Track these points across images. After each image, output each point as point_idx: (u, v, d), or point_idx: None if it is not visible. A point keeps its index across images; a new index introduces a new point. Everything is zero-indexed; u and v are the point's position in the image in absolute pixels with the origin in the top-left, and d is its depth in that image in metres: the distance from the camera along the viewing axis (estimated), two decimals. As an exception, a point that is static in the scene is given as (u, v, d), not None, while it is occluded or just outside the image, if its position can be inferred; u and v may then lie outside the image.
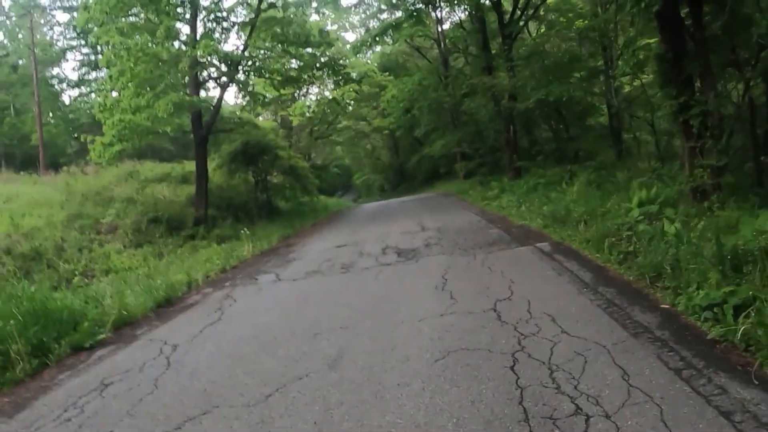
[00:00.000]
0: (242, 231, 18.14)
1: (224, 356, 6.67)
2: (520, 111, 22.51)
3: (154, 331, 8.53)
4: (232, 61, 21.71)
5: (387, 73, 42.91)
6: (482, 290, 7.73)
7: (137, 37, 19.46)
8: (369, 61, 48.11)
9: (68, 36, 45.39)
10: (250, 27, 21.97)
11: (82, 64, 45.80)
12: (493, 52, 27.30)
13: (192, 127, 22.23)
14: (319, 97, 42.42)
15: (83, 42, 41.60)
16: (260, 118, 44.19)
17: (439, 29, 39.12)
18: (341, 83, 29.54)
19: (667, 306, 6.22)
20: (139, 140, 19.93)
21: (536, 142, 32.44)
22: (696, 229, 8.24)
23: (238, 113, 35.67)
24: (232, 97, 62.93)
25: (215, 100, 23.89)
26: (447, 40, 38.42)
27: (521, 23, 26.19)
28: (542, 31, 28.29)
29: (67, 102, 49.29)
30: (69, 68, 79.45)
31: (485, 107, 27.50)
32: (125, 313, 9.16)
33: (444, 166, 44.55)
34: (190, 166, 24.76)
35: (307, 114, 42.62)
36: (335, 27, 45.59)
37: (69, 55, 44.95)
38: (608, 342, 5.27)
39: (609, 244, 8.98)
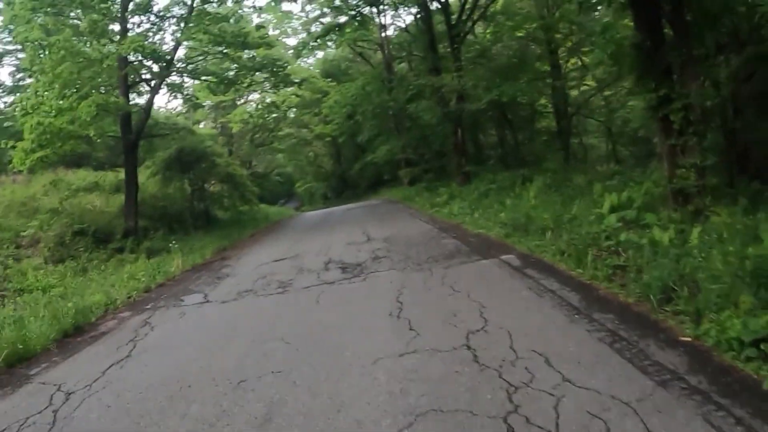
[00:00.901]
0: (171, 244, 16.52)
1: (123, 412, 5.12)
2: (471, 112, 21.29)
3: (51, 370, 6.91)
4: (163, 60, 20.01)
5: (329, 80, 41.65)
6: (448, 318, 6.27)
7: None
8: (311, 67, 46.82)
9: (4, 40, 42.77)
10: (183, 23, 20.24)
11: (18, 69, 43.23)
12: (440, 54, 26.14)
13: (121, 132, 20.36)
14: (259, 103, 40.77)
15: (20, 46, 39.14)
16: (201, 125, 42.65)
17: (383, 35, 38.17)
18: (281, 86, 28.02)
19: (688, 339, 4.87)
20: (60, 145, 17.96)
21: (482, 147, 31.63)
22: (693, 238, 7.03)
23: (174, 118, 33.98)
24: (168, 102, 60.76)
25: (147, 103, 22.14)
26: (391, 46, 37.37)
27: (469, 24, 25.06)
28: (489, 31, 27.23)
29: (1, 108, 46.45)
30: (5, 73, 75.83)
31: (432, 110, 26.25)
32: (21, 346, 7.53)
33: (388, 172, 43.57)
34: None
35: (248, 120, 40.88)
36: (277, 32, 43.88)
37: (5, 60, 42.15)
38: (630, 396, 3.90)
39: (592, 256, 7.66)
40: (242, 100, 42.52)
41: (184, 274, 13.69)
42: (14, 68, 42.95)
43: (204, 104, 41.04)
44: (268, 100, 37.17)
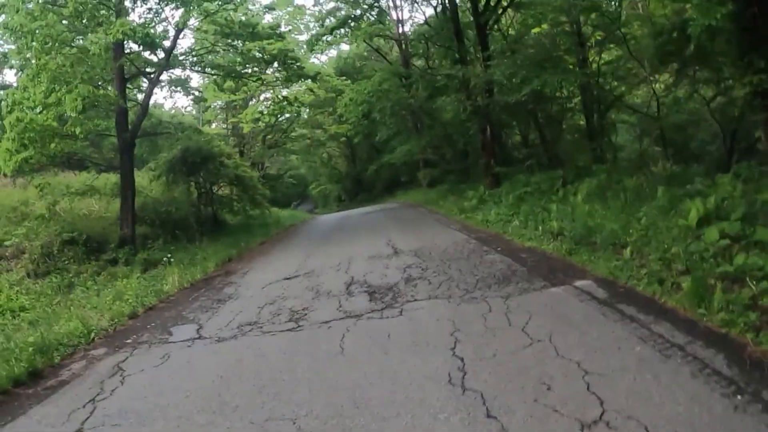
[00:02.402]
0: (167, 257, 14.59)
1: None
2: (508, 105, 19.14)
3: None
4: (159, 47, 18.12)
5: (344, 78, 40.16)
6: (539, 392, 4.23)
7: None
8: (324, 66, 45.31)
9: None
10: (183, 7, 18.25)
11: (21, 67, 41.69)
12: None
13: (116, 130, 18.45)
14: (271, 101, 38.99)
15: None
16: (213, 125, 41.21)
17: (400, 30, 37.25)
18: (294, 80, 26.08)
19: None
20: (44, 145, 15.98)
21: (505, 146, 29.73)
22: None
23: (180, 117, 32.28)
24: (169, 97, 58.78)
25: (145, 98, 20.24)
26: (409, 41, 36.00)
27: (499, 11, 23.08)
28: (520, 21, 25.22)
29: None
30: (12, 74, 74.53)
31: (459, 104, 24.17)
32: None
33: (405, 174, 42.74)
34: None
35: (260, 119, 39.08)
36: (289, 28, 42.10)
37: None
38: None
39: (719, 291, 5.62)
40: (253, 101, 40.84)
41: (180, 292, 11.72)
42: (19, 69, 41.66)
43: (213, 104, 39.61)
44: (280, 96, 35.27)
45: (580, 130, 25.76)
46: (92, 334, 8.57)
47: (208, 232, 21.01)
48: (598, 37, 21.82)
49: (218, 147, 25.02)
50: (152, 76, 19.89)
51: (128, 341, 8.11)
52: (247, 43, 21.25)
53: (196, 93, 25.36)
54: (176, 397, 5.51)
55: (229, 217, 25.48)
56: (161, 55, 19.11)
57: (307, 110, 45.66)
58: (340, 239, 17.14)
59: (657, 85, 21.65)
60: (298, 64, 23.82)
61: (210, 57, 21.90)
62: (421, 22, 33.40)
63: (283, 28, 29.81)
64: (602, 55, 23.42)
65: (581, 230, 9.94)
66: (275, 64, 23.09)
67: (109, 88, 17.49)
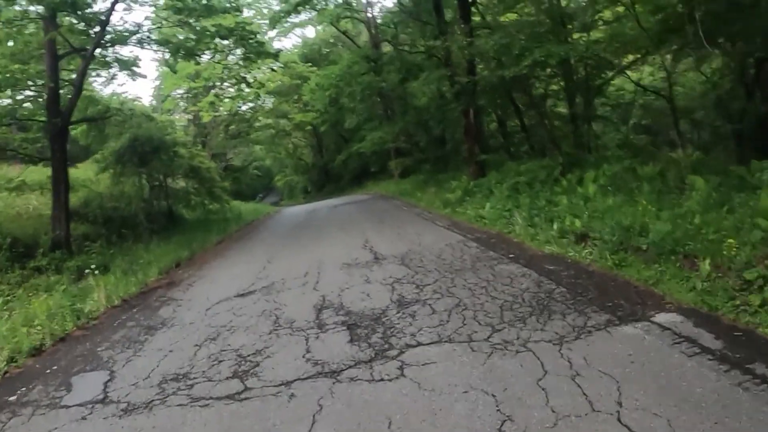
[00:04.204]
0: (89, 271, 11.77)
1: None
2: (504, 79, 16.67)
3: None
4: (90, 19, 15.55)
5: (309, 64, 38.30)
6: None
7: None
8: (289, 52, 43.73)
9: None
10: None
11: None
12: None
13: (47, 114, 15.82)
14: (231, 85, 36.64)
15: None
16: (176, 116, 39.02)
17: (369, 13, 35.64)
18: (253, 57, 23.53)
19: None
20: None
21: (483, 133, 27.87)
22: None
23: (131, 104, 29.66)
24: (105, 77, 54.78)
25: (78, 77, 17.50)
26: (379, 25, 34.70)
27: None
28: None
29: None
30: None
31: (440, 82, 21.77)
32: None
33: (375, 164, 41.25)
34: (78, 172, 18.76)
35: (214, 102, 36.53)
36: (252, 13, 39.60)
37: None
38: None
39: None
40: (215, 90, 38.42)
41: (107, 313, 9.16)
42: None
43: (173, 93, 37.47)
44: (239, 76, 32.58)
45: (560, 117, 23.88)
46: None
47: (162, 230, 18.82)
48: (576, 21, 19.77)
49: (171, 135, 22.68)
50: (83, 51, 17.23)
51: (12, 399, 5.64)
52: (201, 19, 18.70)
53: (144, 76, 22.85)
54: None
55: (187, 213, 23.36)
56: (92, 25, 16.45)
57: (272, 99, 43.57)
58: (306, 239, 14.83)
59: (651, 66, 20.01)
60: (256, 39, 21.25)
61: (157, 33, 19.30)
62: (391, 5, 31.74)
63: (245, 13, 27.51)
64: (590, 34, 21.48)
65: (618, 232, 7.71)
66: (230, 41, 20.51)
67: (31, 64, 14.98)
